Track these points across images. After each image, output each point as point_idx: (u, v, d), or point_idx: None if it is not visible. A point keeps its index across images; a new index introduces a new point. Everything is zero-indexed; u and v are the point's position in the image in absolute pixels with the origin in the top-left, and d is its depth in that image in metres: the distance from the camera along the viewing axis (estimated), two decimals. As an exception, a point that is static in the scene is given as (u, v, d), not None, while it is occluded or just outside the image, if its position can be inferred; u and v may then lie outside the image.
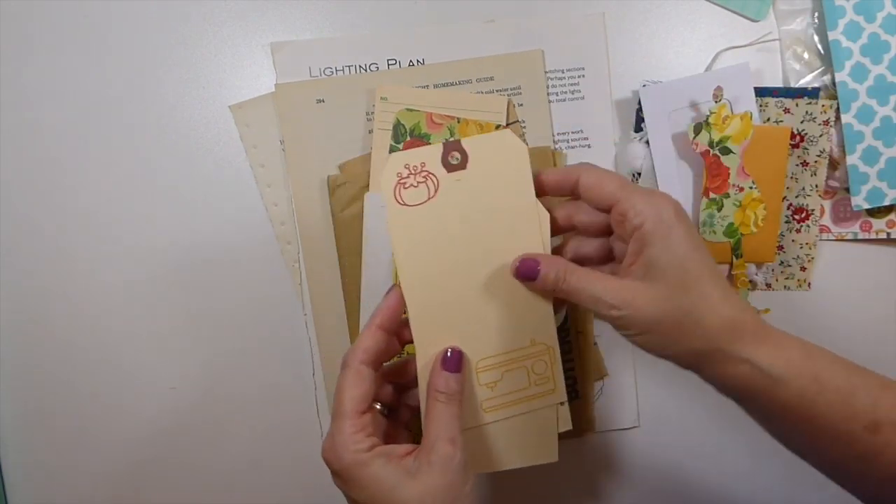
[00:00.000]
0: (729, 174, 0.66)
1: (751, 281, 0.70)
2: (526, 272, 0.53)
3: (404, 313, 0.54)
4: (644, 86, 0.68)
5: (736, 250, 0.67)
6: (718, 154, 0.66)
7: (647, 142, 0.67)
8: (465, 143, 0.55)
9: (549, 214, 0.55)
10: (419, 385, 0.53)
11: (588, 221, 0.55)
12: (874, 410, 0.48)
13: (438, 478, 0.48)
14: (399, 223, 0.55)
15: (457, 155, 0.55)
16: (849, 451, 0.49)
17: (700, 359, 0.49)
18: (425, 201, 0.55)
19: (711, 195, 0.66)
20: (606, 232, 0.55)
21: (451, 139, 0.58)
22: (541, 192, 0.54)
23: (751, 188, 0.66)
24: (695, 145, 0.66)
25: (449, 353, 0.53)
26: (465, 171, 0.55)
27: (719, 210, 0.67)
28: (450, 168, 0.55)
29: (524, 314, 0.56)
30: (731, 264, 0.68)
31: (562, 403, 0.57)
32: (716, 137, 0.66)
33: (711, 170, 0.66)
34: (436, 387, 0.52)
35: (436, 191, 0.55)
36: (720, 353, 0.48)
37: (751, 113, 0.65)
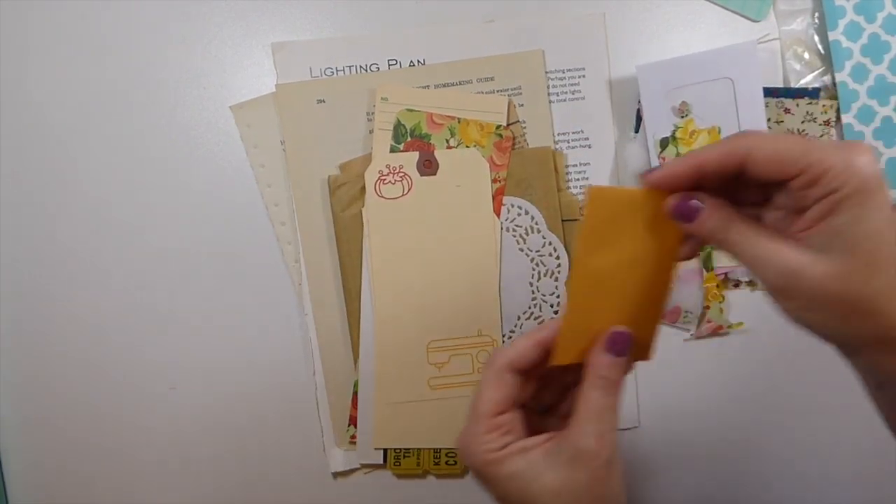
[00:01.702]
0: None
1: (750, 281, 0.70)
2: (682, 213, 0.44)
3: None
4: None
5: (706, 263, 0.67)
6: None
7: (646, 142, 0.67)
8: (438, 154, 0.66)
9: (499, 223, 0.65)
10: (376, 346, 0.65)
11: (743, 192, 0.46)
12: None
13: (578, 473, 0.44)
14: (376, 211, 0.66)
15: (430, 163, 0.66)
16: None
17: (863, 343, 0.43)
18: (400, 197, 0.66)
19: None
20: (758, 202, 0.46)
21: (426, 151, 0.66)
22: (694, 177, 0.44)
23: None
24: (662, 159, 0.66)
25: (617, 334, 0.46)
26: (435, 176, 0.66)
27: None
28: (423, 172, 0.66)
29: (474, 307, 0.66)
30: (702, 277, 0.68)
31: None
32: (683, 152, 0.66)
33: None
34: (597, 370, 0.46)
35: (409, 189, 0.66)
36: (891, 341, 0.42)
37: (719, 127, 0.65)
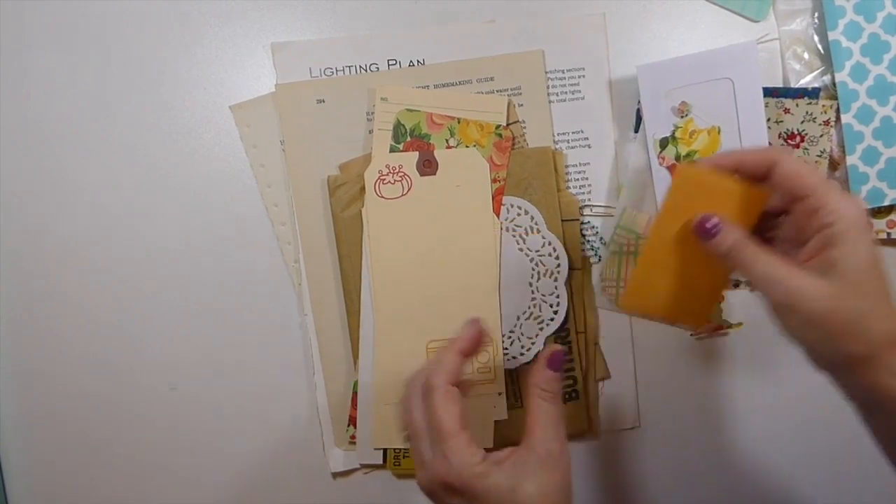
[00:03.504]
0: None
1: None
2: (706, 230, 0.52)
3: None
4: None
5: None
6: None
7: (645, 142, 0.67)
8: (437, 154, 0.65)
9: (499, 223, 0.65)
10: (377, 346, 0.65)
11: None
12: None
13: (554, 474, 0.50)
14: (375, 211, 0.65)
15: (429, 163, 0.66)
16: None
17: (853, 363, 0.49)
18: (399, 197, 0.65)
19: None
20: (775, 213, 0.54)
21: (426, 151, 0.66)
22: (733, 169, 0.53)
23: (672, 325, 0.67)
24: (661, 159, 0.66)
25: (555, 353, 0.54)
26: (434, 176, 0.65)
27: None
28: (422, 172, 0.65)
29: (473, 306, 0.66)
30: None
31: (500, 394, 0.65)
32: (682, 152, 0.66)
33: None
34: (539, 384, 0.53)
35: (409, 189, 0.65)
36: (877, 361, 0.48)
37: (718, 127, 0.65)
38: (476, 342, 0.55)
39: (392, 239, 0.66)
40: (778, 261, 0.50)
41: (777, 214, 0.54)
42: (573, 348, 0.68)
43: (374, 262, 0.66)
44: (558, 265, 0.67)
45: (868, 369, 0.48)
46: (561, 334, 0.67)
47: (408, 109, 0.66)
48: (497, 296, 0.67)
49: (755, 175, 0.52)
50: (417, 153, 0.66)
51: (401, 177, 0.66)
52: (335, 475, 0.70)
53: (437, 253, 0.66)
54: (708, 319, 0.58)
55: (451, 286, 0.66)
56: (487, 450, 0.51)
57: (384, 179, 0.66)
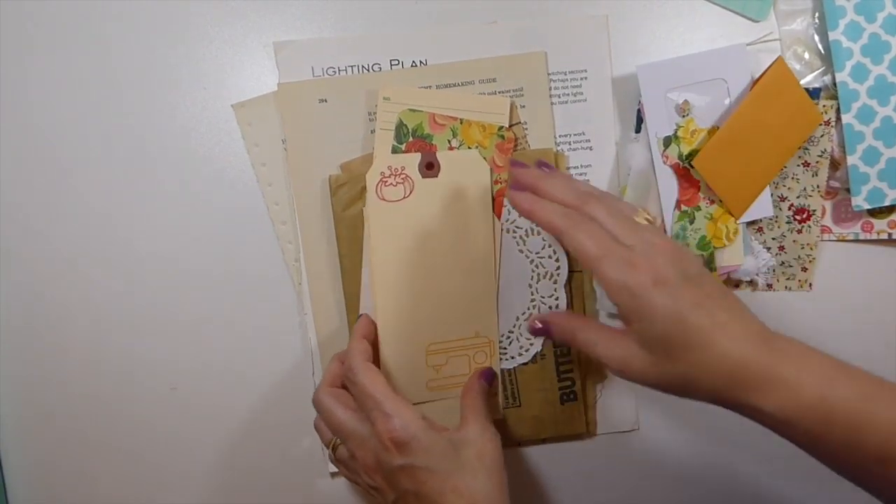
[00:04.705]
0: (699, 186, 0.67)
1: (751, 282, 0.70)
2: (540, 332, 0.57)
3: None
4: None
5: (709, 264, 0.67)
6: (689, 167, 0.66)
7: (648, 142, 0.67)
8: (440, 156, 0.65)
9: (500, 225, 0.66)
10: (380, 350, 0.65)
11: None
12: (885, 445, 0.46)
13: (488, 444, 0.58)
14: (377, 214, 0.65)
15: (431, 165, 0.65)
16: (863, 483, 0.49)
17: (713, 402, 0.50)
18: (401, 199, 0.65)
19: (683, 207, 0.67)
20: None
21: (428, 152, 0.66)
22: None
23: (719, 202, 0.67)
24: (665, 158, 0.66)
25: (486, 371, 0.66)
26: (436, 178, 0.65)
27: (691, 223, 0.67)
28: (424, 174, 0.65)
29: (472, 308, 0.66)
30: None
31: (495, 394, 0.67)
32: (685, 150, 0.66)
33: (682, 182, 0.66)
34: (471, 387, 0.64)
35: (411, 191, 0.65)
36: (731, 401, 0.49)
37: (718, 127, 0.66)
38: (370, 326, 0.64)
39: (393, 242, 0.65)
40: (608, 336, 0.52)
41: None
42: (572, 350, 0.68)
43: (376, 264, 0.66)
44: (558, 267, 0.67)
45: (724, 405, 0.50)
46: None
47: (410, 109, 0.66)
48: (496, 297, 0.67)
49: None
50: (420, 155, 0.65)
51: (403, 179, 0.65)
52: (334, 475, 0.70)
53: (438, 254, 0.66)
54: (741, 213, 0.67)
55: (450, 287, 0.66)
56: None
57: (386, 182, 0.65)
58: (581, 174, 0.69)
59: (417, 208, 0.65)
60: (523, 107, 0.68)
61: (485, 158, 0.66)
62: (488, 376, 0.65)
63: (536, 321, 0.57)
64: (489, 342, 0.67)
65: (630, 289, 0.48)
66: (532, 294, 0.67)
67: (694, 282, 0.50)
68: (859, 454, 0.47)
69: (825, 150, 0.67)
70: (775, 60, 0.64)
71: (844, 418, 0.47)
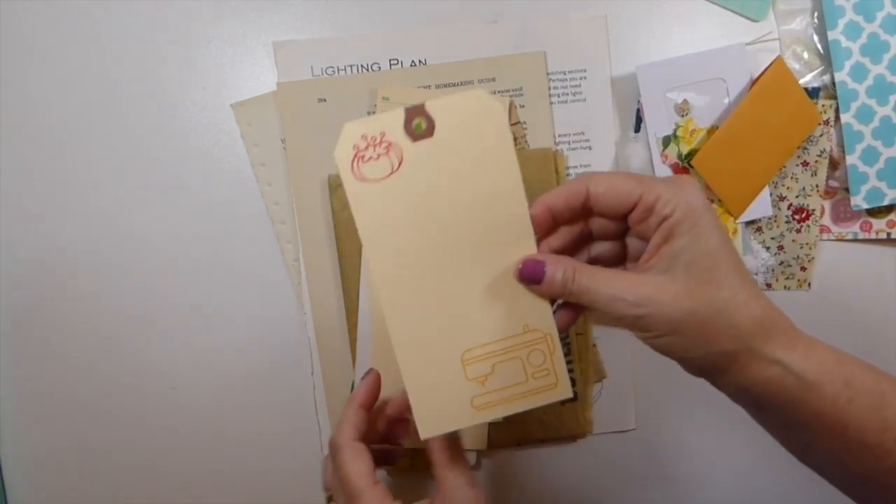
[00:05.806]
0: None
1: (751, 281, 0.70)
2: (530, 274, 0.46)
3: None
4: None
5: None
6: (688, 166, 0.67)
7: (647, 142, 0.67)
8: (430, 107, 0.47)
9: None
10: (402, 375, 0.49)
11: (600, 225, 0.50)
12: None
13: None
14: (361, 201, 0.47)
15: (421, 122, 0.47)
16: (879, 463, 0.45)
17: (727, 361, 0.45)
18: (388, 176, 0.47)
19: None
20: (617, 234, 0.50)
21: (414, 107, 0.47)
22: (550, 221, 0.48)
23: (718, 202, 0.67)
24: (664, 157, 0.66)
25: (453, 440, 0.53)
26: (431, 139, 0.47)
27: None
28: (415, 137, 0.47)
29: (514, 297, 0.48)
30: None
31: (566, 401, 0.53)
32: (684, 150, 0.66)
33: None
34: (433, 441, 0.51)
35: (399, 164, 0.47)
36: (750, 353, 0.45)
37: (717, 127, 0.66)
38: (373, 392, 0.53)
39: (390, 234, 0.48)
40: (618, 274, 0.46)
41: (618, 237, 0.50)
42: (571, 349, 0.68)
43: (375, 267, 0.49)
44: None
45: (743, 366, 0.45)
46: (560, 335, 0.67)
47: (409, 109, 0.65)
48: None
49: (574, 215, 0.48)
50: (402, 110, 0.47)
51: (386, 148, 0.47)
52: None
53: (453, 239, 0.48)
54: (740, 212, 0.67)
55: (478, 277, 0.48)
56: (402, 501, 0.49)
57: (363, 156, 0.47)
58: (580, 174, 0.69)
59: (412, 184, 0.47)
60: (522, 106, 0.68)
61: (496, 100, 0.50)
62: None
63: (524, 261, 0.47)
64: (545, 336, 0.49)
65: (687, 198, 0.45)
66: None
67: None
68: (881, 429, 0.45)
69: (824, 149, 0.67)
70: (774, 60, 0.65)
71: (864, 388, 0.45)
